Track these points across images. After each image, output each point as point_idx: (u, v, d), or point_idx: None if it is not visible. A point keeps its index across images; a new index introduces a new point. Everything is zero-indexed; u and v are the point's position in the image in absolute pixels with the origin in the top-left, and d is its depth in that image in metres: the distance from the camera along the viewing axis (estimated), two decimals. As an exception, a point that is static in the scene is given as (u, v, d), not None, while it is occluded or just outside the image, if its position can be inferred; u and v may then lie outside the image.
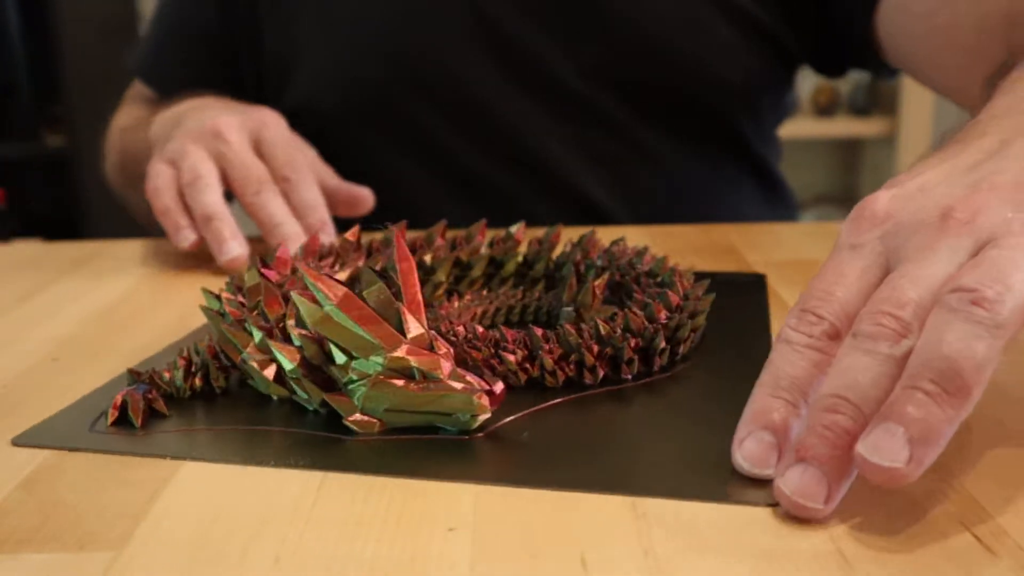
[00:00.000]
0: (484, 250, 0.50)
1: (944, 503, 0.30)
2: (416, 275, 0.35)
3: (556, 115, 0.76)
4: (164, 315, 0.51)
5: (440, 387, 0.34)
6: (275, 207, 0.61)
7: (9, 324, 0.51)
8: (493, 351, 0.40)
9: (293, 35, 0.79)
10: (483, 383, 0.34)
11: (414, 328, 0.34)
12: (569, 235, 0.53)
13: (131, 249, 0.68)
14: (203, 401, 0.39)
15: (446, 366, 0.34)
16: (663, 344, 0.41)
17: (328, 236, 0.61)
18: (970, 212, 0.31)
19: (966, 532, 0.28)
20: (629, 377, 0.40)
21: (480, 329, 0.40)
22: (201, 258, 0.64)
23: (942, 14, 0.64)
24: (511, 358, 0.39)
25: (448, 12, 0.74)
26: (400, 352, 0.34)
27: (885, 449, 0.27)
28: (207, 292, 0.42)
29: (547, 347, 0.40)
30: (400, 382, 0.34)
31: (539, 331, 0.40)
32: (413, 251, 0.49)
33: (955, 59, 0.65)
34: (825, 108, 2.36)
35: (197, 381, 0.39)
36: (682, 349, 0.42)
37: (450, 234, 0.51)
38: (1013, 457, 0.33)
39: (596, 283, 0.44)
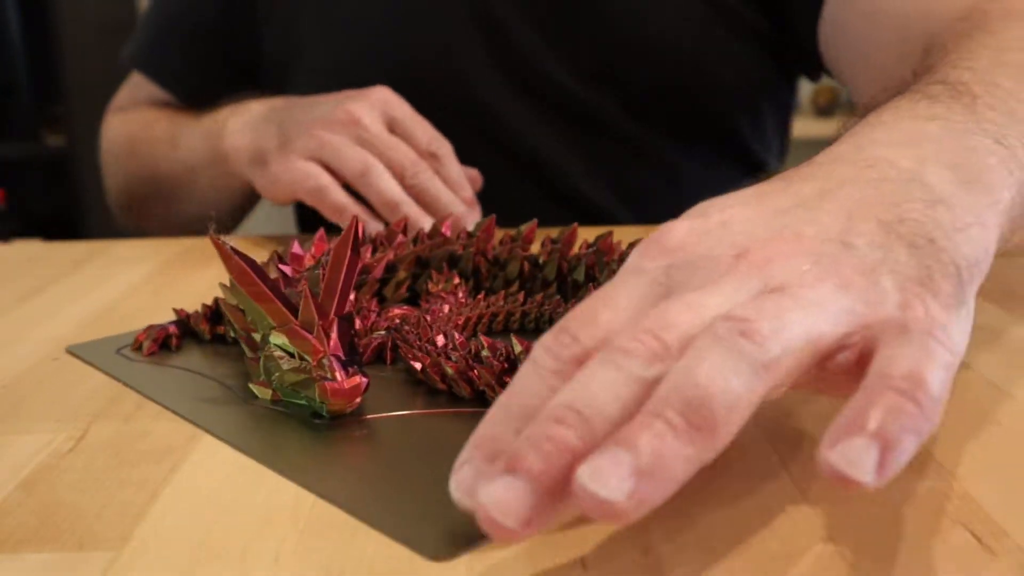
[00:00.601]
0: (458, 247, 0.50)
1: (944, 503, 0.30)
2: (346, 266, 0.37)
3: (556, 116, 0.76)
4: (164, 315, 0.51)
5: (303, 370, 0.36)
6: (437, 187, 0.60)
7: (9, 324, 0.51)
8: (505, 365, 0.37)
9: (293, 35, 0.79)
10: (342, 375, 0.35)
11: (304, 311, 0.36)
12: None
13: (131, 249, 0.68)
14: (223, 346, 0.45)
15: (318, 351, 0.35)
16: None
17: (476, 215, 0.61)
18: (765, 256, 0.28)
19: (966, 532, 0.28)
20: None
21: (487, 341, 0.38)
22: (201, 258, 0.64)
23: (869, 40, 0.64)
24: None
25: (448, 13, 0.74)
26: (282, 331, 0.36)
27: (606, 477, 0.23)
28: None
29: None
30: (283, 359, 0.36)
31: None
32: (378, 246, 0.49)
33: (872, 79, 0.63)
34: (825, 108, 2.36)
35: (220, 329, 0.45)
36: None
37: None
38: (1013, 457, 0.33)
39: None
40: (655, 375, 0.25)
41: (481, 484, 0.24)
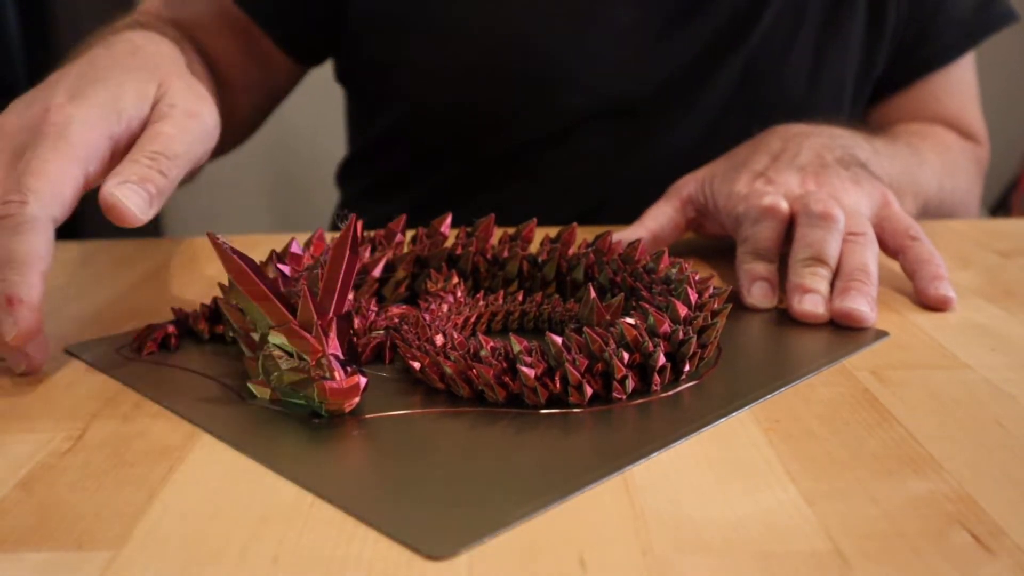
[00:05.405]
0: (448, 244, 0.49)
1: (944, 503, 0.30)
2: (345, 265, 0.37)
3: (701, 124, 0.77)
4: (164, 315, 0.51)
5: (301, 370, 0.36)
6: None
7: (8, 324, 0.51)
8: (504, 365, 0.37)
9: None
10: (340, 375, 0.35)
11: (303, 311, 0.36)
12: (584, 235, 0.52)
13: (131, 249, 0.68)
14: (222, 345, 0.45)
15: (317, 351, 0.35)
16: (693, 348, 0.38)
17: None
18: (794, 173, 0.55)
19: (965, 532, 0.28)
20: (658, 388, 0.37)
21: (490, 343, 0.37)
22: (201, 258, 0.64)
23: (894, 113, 0.84)
24: (529, 373, 0.36)
25: (603, 16, 0.73)
26: (280, 331, 0.36)
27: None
28: None
29: (570, 357, 0.36)
30: (282, 358, 0.36)
31: (558, 339, 0.36)
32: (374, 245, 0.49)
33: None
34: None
35: (218, 329, 0.45)
36: (708, 352, 0.40)
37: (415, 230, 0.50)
38: (1012, 457, 0.33)
39: (607, 305, 0.40)
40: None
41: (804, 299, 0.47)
